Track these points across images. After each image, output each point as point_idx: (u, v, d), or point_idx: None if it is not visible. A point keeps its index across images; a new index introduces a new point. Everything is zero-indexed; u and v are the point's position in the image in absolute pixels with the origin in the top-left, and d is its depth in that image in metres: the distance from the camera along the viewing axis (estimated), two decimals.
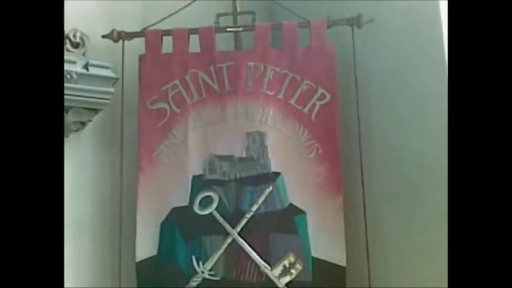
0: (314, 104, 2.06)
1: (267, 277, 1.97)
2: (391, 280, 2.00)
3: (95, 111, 2.02)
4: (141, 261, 2.01)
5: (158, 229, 2.03)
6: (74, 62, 1.94)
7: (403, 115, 2.03)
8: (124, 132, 2.10)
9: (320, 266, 1.95)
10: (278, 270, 1.97)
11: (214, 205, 2.03)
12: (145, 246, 2.02)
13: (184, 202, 2.05)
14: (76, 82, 1.91)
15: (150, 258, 2.02)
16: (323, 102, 2.05)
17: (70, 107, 1.94)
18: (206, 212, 2.03)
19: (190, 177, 2.06)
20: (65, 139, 2.03)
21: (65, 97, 1.84)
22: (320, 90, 2.06)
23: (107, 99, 2.00)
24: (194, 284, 1.99)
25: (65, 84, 1.86)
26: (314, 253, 1.97)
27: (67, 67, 1.89)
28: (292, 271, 1.97)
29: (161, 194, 2.06)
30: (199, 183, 2.06)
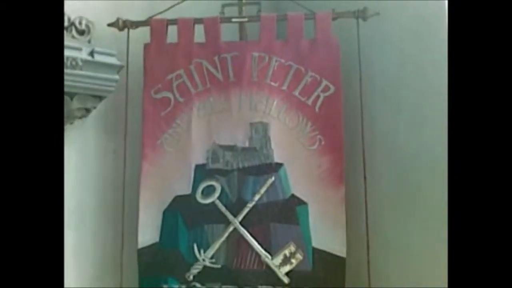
0: (318, 95, 1.99)
1: (268, 266, 1.91)
2: (390, 272, 1.95)
3: (100, 98, 1.96)
4: (143, 248, 1.96)
5: (160, 217, 1.98)
6: (79, 49, 1.87)
7: (406, 109, 1.97)
8: (128, 120, 2.04)
9: (321, 257, 1.90)
10: (278, 259, 1.91)
11: (217, 194, 1.98)
12: (147, 233, 1.96)
13: (187, 190, 1.99)
14: (81, 69, 1.84)
15: (152, 245, 1.96)
16: (327, 94, 1.98)
17: (75, 94, 1.87)
18: (209, 201, 1.98)
19: (193, 166, 2.00)
20: (70, 126, 1.98)
21: (70, 83, 1.80)
22: (324, 82, 1.99)
23: (112, 87, 1.93)
24: (195, 271, 1.94)
25: (70, 71, 1.80)
26: (314, 244, 1.92)
27: (72, 53, 1.82)
28: (293, 260, 1.91)
29: (164, 182, 2.01)
30: (202, 172, 2.00)
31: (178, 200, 1.98)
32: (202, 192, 1.98)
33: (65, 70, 1.76)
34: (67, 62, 1.78)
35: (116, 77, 1.94)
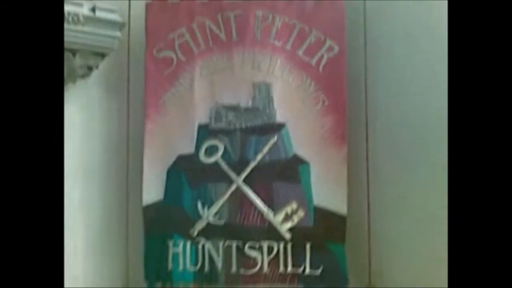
0: (322, 56, 1.90)
1: (270, 222, 1.86)
2: (391, 230, 1.89)
3: (102, 56, 1.86)
4: (148, 205, 1.90)
5: (164, 175, 1.92)
6: (81, 5, 1.74)
7: (410, 72, 1.87)
8: (131, 80, 1.97)
9: (322, 214, 1.85)
10: (280, 216, 1.86)
11: (220, 153, 1.91)
12: (152, 191, 1.91)
13: (190, 149, 1.92)
14: (83, 25, 1.72)
15: (157, 202, 1.91)
16: (331, 54, 1.89)
17: (77, 50, 1.77)
18: (212, 160, 1.91)
19: (196, 126, 1.93)
20: (72, 85, 1.88)
21: (72, 39, 1.70)
22: (328, 42, 1.90)
23: (114, 44, 1.81)
24: (199, 227, 1.88)
25: (72, 27, 1.70)
26: (316, 202, 1.87)
27: (74, 9, 1.71)
28: (294, 217, 1.86)
29: (167, 141, 1.94)
30: (204, 132, 1.93)
31: (182, 159, 1.92)
32: (205, 151, 1.90)
33: (67, 26, 1.66)
34: (68, 18, 1.68)
35: (118, 34, 1.83)
